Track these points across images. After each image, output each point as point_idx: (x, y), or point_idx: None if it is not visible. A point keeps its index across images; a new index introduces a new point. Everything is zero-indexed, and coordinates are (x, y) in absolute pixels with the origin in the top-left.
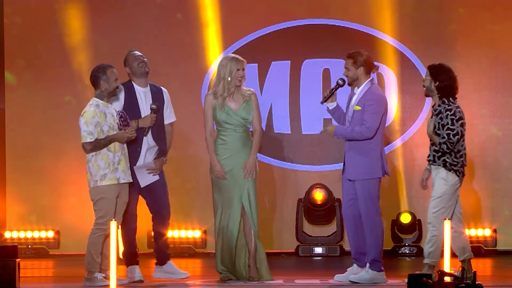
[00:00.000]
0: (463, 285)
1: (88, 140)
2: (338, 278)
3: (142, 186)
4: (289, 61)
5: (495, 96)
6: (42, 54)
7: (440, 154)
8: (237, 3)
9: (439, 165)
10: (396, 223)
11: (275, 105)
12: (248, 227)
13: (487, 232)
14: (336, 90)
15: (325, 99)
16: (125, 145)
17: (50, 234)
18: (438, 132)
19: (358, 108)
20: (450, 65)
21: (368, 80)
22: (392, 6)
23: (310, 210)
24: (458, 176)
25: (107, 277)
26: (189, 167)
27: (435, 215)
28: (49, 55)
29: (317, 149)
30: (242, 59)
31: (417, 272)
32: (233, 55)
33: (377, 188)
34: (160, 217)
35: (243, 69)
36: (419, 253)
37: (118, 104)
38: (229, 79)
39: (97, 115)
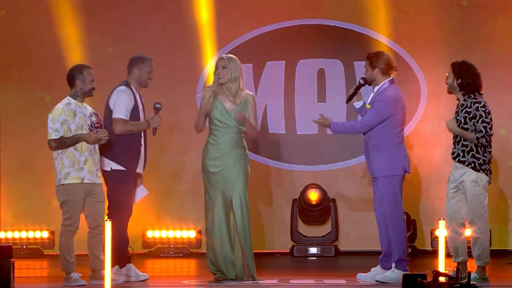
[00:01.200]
0: (458, 285)
1: (53, 137)
2: (361, 277)
3: (136, 201)
4: (284, 61)
5: (492, 95)
6: (32, 51)
7: (468, 149)
8: (232, 4)
9: (467, 166)
10: None
11: (270, 105)
12: (239, 228)
13: None
14: (359, 89)
15: (349, 99)
16: (96, 147)
17: (45, 234)
18: (464, 126)
19: (369, 107)
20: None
21: (387, 80)
22: (387, 6)
23: (304, 210)
24: (487, 175)
25: (101, 277)
26: (183, 167)
27: (477, 216)
28: (39, 53)
29: (312, 149)
30: (223, 57)
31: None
32: (221, 55)
33: (396, 186)
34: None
35: (223, 67)
36: (414, 253)
37: (130, 105)
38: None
39: (65, 113)
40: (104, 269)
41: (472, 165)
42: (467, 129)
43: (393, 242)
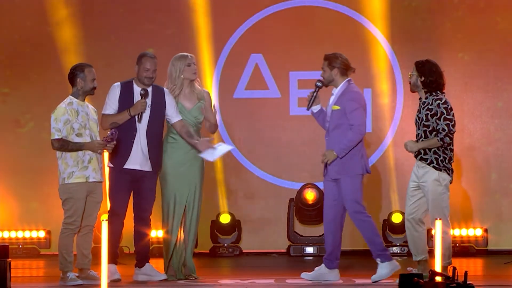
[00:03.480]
0: (454, 285)
1: (56, 137)
2: (306, 276)
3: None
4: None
5: (487, 95)
6: (28, 51)
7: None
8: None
9: (428, 164)
10: (387, 223)
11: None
12: (187, 225)
13: (478, 232)
14: (316, 92)
15: (309, 105)
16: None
17: (41, 234)
18: (426, 123)
19: (337, 107)
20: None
21: (346, 80)
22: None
23: (301, 210)
24: (449, 174)
25: (88, 277)
26: None
27: (439, 216)
28: (37, 51)
29: (308, 149)
30: (189, 54)
31: (411, 269)
32: (181, 53)
33: (360, 185)
34: (143, 219)
35: (194, 63)
36: (410, 252)
37: (113, 98)
38: (181, 77)
39: (68, 113)
40: (91, 269)
41: (434, 162)
42: (428, 126)
43: (367, 239)
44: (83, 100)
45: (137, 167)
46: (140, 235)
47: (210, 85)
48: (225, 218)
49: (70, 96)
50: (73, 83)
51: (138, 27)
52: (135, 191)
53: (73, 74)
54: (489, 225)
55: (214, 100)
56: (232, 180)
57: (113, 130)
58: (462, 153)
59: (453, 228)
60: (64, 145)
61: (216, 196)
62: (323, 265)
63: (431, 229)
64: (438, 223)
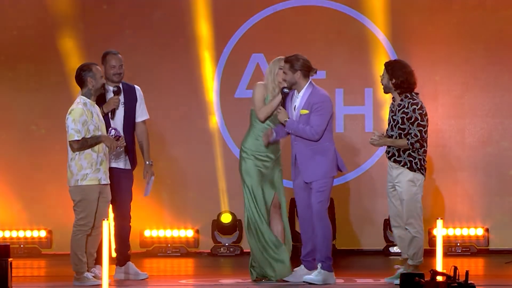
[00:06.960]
0: (455, 284)
1: (76, 138)
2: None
3: (146, 195)
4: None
5: (487, 95)
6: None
7: (403, 148)
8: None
9: (402, 166)
10: (388, 222)
11: None
12: (284, 223)
13: (480, 232)
14: (285, 99)
15: (285, 114)
16: (105, 147)
17: (43, 233)
18: (402, 126)
19: (306, 111)
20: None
21: (308, 82)
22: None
23: None
24: (423, 174)
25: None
26: (181, 164)
27: (414, 215)
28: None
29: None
30: (281, 58)
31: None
32: (279, 57)
33: (331, 187)
34: (125, 218)
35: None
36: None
37: None
38: (276, 82)
39: (85, 114)
40: (94, 268)
41: (408, 165)
42: (404, 129)
43: (320, 242)
44: (94, 101)
45: (116, 165)
46: (122, 234)
47: (211, 84)
48: (226, 218)
49: (82, 97)
50: (82, 84)
51: (140, 29)
52: (114, 189)
53: (81, 75)
54: (491, 225)
55: (215, 100)
56: (233, 179)
57: (111, 128)
58: (463, 153)
59: (454, 228)
60: (84, 144)
61: (217, 196)
62: (302, 266)
63: (431, 228)
64: (439, 223)
